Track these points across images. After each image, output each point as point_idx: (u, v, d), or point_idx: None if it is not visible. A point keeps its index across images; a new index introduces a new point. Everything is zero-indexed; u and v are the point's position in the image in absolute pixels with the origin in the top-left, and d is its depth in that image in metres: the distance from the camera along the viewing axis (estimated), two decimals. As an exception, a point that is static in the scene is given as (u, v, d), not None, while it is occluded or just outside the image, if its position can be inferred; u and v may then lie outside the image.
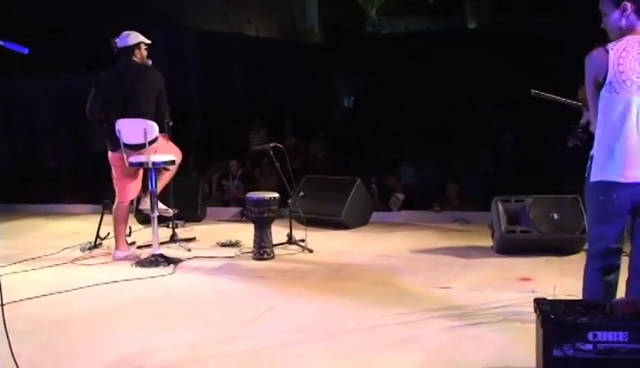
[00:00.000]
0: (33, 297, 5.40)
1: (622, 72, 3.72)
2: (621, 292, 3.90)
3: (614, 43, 3.78)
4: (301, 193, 8.19)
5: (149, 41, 6.71)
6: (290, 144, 12.56)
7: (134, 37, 6.62)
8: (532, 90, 5.25)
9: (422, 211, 9.15)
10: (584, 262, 4.03)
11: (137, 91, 6.54)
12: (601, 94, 3.80)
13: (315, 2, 26.27)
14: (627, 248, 3.97)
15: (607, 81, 3.76)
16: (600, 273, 3.90)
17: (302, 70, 20.99)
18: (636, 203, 3.75)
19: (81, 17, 15.19)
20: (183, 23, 17.93)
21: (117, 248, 6.76)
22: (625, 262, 3.94)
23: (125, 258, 6.65)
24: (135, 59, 6.63)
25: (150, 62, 6.73)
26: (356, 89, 21.51)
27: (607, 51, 3.76)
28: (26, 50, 3.72)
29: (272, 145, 7.35)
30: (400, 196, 10.21)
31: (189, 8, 18.33)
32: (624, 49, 3.75)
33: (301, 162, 11.91)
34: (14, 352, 3.57)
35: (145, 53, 6.69)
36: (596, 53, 3.80)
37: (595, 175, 3.85)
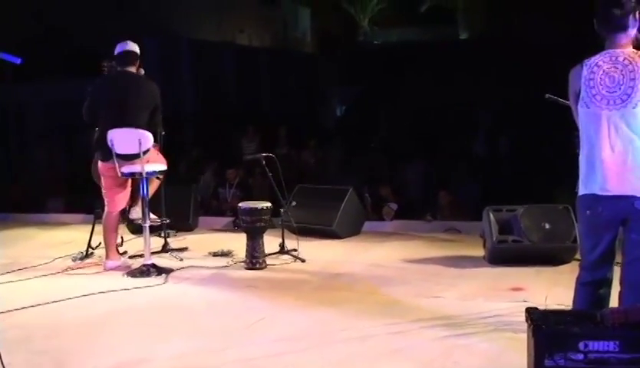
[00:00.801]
0: (24, 307, 5.37)
1: (593, 87, 3.77)
2: (614, 304, 3.91)
3: (589, 58, 3.83)
4: (294, 203, 8.20)
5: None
6: (282, 153, 12.57)
7: (131, 46, 6.62)
8: (547, 95, 5.21)
9: (414, 221, 9.15)
10: (575, 272, 4.04)
11: (133, 102, 6.48)
12: (577, 109, 3.86)
13: (307, 12, 26.37)
14: (619, 258, 3.98)
15: (580, 96, 3.82)
16: (590, 286, 3.92)
17: (294, 79, 21.04)
18: (624, 215, 3.76)
19: (75, 25, 15.21)
20: (175, 32, 17.96)
21: (107, 257, 6.74)
22: (617, 273, 3.95)
23: (116, 268, 6.63)
24: (131, 69, 6.62)
25: (142, 72, 6.73)
26: (348, 98, 21.57)
27: (582, 67, 3.82)
28: (18, 61, 3.72)
29: (264, 155, 7.36)
30: (393, 206, 10.23)
31: (182, 17, 18.38)
32: (596, 64, 3.79)
33: (293, 172, 11.91)
34: (5, 362, 3.56)
35: (138, 63, 6.69)
36: (574, 68, 3.87)
37: (581, 188, 3.89)
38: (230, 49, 20.09)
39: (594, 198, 3.79)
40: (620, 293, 3.89)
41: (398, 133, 15.88)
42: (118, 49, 6.61)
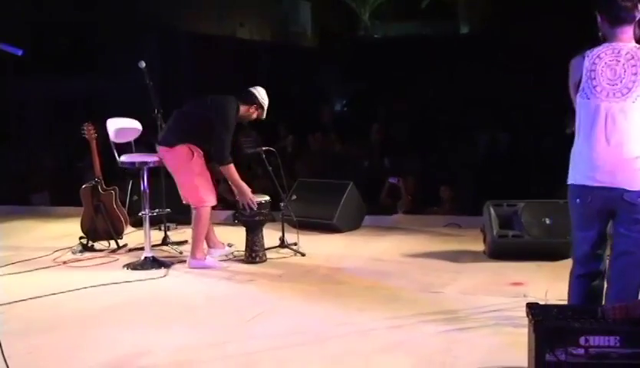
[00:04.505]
0: (25, 300, 5.38)
1: (594, 78, 3.78)
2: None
3: (591, 49, 3.84)
4: (294, 196, 8.19)
5: None
6: (282, 147, 12.53)
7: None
8: None
9: (414, 216, 9.15)
10: (573, 267, 4.06)
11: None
12: (577, 99, 3.87)
13: (308, 6, 26.31)
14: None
15: (580, 87, 3.83)
16: (584, 279, 3.93)
17: (295, 73, 20.98)
18: (613, 206, 3.77)
19: (75, 20, 15.16)
20: (175, 26, 17.91)
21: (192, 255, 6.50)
22: None
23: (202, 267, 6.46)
24: None
25: (143, 64, 6.69)
26: (349, 92, 21.52)
27: (583, 58, 3.84)
28: (20, 52, 3.70)
29: (264, 148, 7.36)
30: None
31: (182, 12, 18.32)
32: (597, 56, 3.80)
33: (293, 166, 11.88)
34: (5, 354, 3.56)
35: None
36: (575, 59, 3.89)
37: (570, 178, 3.91)
38: (231, 43, 20.05)
39: (584, 188, 3.81)
40: (606, 289, 3.91)
41: (399, 127, 15.82)
42: None
